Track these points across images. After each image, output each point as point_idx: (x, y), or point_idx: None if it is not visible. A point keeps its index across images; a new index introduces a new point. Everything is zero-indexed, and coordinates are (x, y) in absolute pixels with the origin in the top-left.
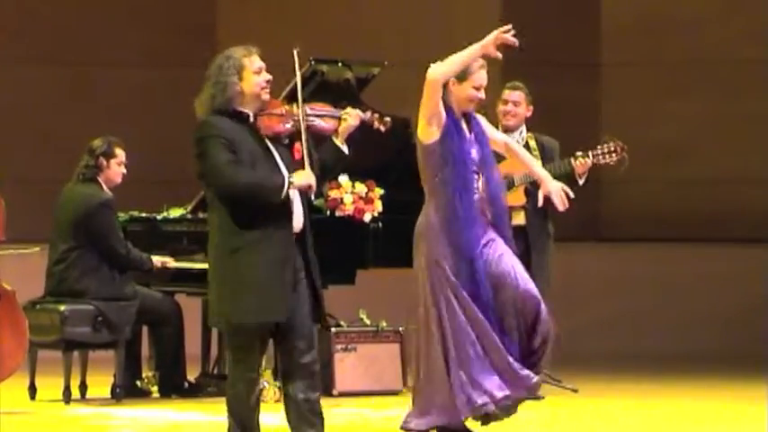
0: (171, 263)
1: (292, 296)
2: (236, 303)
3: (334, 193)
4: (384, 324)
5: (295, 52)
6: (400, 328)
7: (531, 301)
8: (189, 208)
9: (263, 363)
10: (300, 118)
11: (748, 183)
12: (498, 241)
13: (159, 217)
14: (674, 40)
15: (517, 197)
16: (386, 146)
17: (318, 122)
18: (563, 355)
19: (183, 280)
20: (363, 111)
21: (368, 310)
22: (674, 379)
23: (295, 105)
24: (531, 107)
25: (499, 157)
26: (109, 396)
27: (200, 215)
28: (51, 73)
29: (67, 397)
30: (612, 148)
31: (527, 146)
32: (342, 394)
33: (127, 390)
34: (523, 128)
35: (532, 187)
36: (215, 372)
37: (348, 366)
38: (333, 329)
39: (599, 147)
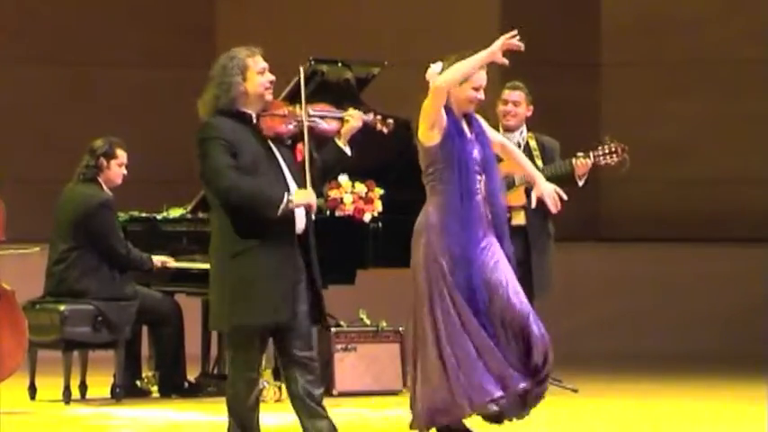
0: (171, 263)
1: (295, 298)
2: (238, 305)
3: (334, 193)
4: (384, 324)
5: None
6: (400, 328)
7: (518, 319)
8: (189, 208)
9: (263, 363)
10: (303, 120)
11: (748, 183)
12: (495, 247)
13: (159, 217)
14: (674, 40)
15: (517, 197)
16: (386, 146)
17: (321, 124)
18: (563, 355)
19: (183, 280)
20: (364, 111)
21: (368, 310)
22: (674, 379)
23: (298, 106)
24: (532, 107)
25: (499, 158)
26: (109, 396)
27: (200, 215)
28: (51, 73)
29: (67, 397)
30: (613, 149)
31: (527, 146)
32: (342, 394)
33: (127, 390)
34: (524, 128)
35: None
36: (215, 372)
37: (348, 366)
38: (333, 329)
39: (600, 147)
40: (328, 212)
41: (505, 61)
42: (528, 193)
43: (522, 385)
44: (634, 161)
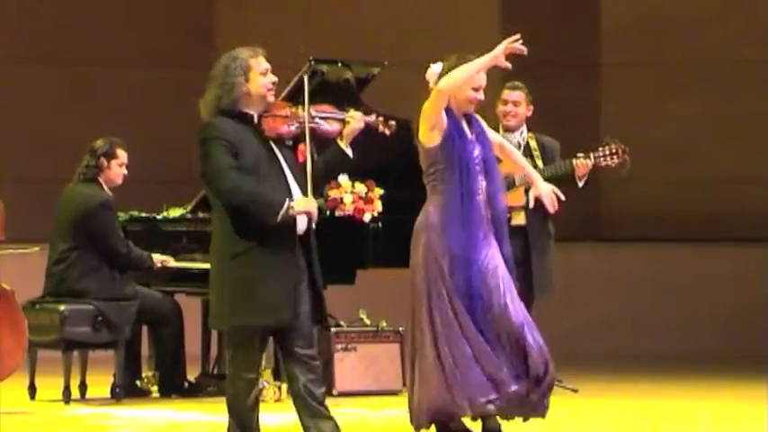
0: (171, 262)
1: (296, 299)
2: (239, 304)
3: (333, 193)
4: (384, 324)
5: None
6: (400, 328)
7: (513, 331)
8: (189, 208)
9: (263, 363)
10: (306, 121)
11: (748, 183)
12: (495, 250)
13: (159, 217)
14: (674, 40)
15: (517, 197)
16: (386, 146)
17: (323, 125)
18: (563, 355)
19: (183, 280)
20: (365, 112)
21: (368, 310)
22: (674, 379)
23: (300, 107)
24: (532, 107)
25: (498, 159)
26: (109, 396)
27: (200, 215)
28: (51, 73)
29: (67, 397)
30: (614, 151)
31: (528, 146)
32: (341, 394)
33: (127, 390)
34: (524, 128)
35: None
36: (215, 372)
37: (348, 366)
38: (333, 329)
39: (600, 149)
40: (328, 212)
41: (508, 65)
42: (528, 193)
43: (514, 388)
44: (634, 161)
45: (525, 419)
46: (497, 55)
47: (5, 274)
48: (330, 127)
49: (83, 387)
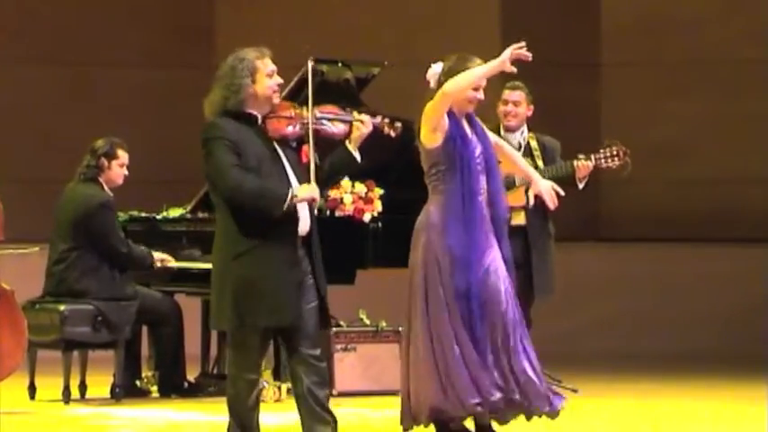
0: (171, 262)
1: (298, 299)
2: (241, 305)
3: (333, 193)
4: (384, 324)
5: (309, 64)
6: (400, 328)
7: (508, 334)
8: (188, 208)
9: (263, 363)
10: (309, 122)
11: (748, 183)
12: (496, 252)
13: (159, 217)
14: (674, 40)
15: (517, 197)
16: (386, 146)
17: (328, 126)
18: (563, 355)
19: (183, 280)
20: (366, 112)
21: (367, 310)
22: (674, 379)
23: (305, 108)
24: (532, 107)
25: (499, 159)
26: (108, 396)
27: (200, 215)
28: (51, 73)
29: (67, 397)
30: (615, 152)
31: (528, 146)
32: (341, 394)
33: (126, 390)
34: (524, 128)
35: None
36: (215, 372)
37: (347, 366)
38: (332, 329)
39: (601, 150)
40: (328, 212)
41: (514, 70)
42: (527, 192)
43: (498, 395)
44: (634, 161)
45: (528, 418)
46: (504, 60)
47: (5, 274)
48: (336, 129)
49: (82, 387)
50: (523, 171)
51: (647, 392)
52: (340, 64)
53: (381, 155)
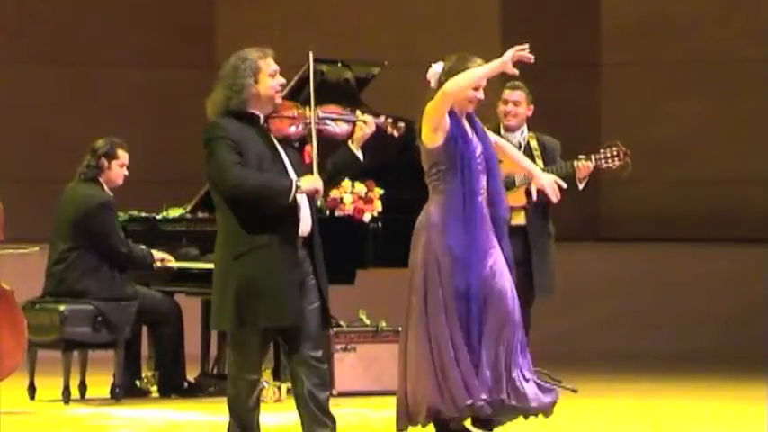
0: (171, 261)
1: (299, 299)
2: (242, 305)
3: (333, 193)
4: (383, 324)
5: (311, 56)
6: (400, 328)
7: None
8: (188, 208)
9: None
10: (312, 122)
11: (748, 183)
12: (497, 252)
13: (159, 217)
14: (674, 40)
15: (517, 197)
16: (386, 146)
17: (331, 126)
18: (563, 355)
19: (183, 280)
20: (368, 112)
21: (367, 310)
22: (674, 379)
23: (307, 108)
24: (532, 106)
25: (498, 159)
26: (108, 396)
27: (200, 215)
28: (51, 73)
29: (67, 397)
30: (615, 153)
31: (528, 146)
32: (341, 394)
33: (126, 390)
34: (525, 128)
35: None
36: (214, 372)
37: (347, 366)
38: (332, 329)
39: (602, 151)
40: (328, 212)
41: (515, 71)
42: (529, 193)
43: (488, 399)
44: (634, 161)
45: (526, 417)
46: (506, 62)
47: (5, 274)
48: (338, 129)
49: (82, 387)
50: (524, 167)
51: (647, 392)
52: (340, 64)
53: (382, 155)
